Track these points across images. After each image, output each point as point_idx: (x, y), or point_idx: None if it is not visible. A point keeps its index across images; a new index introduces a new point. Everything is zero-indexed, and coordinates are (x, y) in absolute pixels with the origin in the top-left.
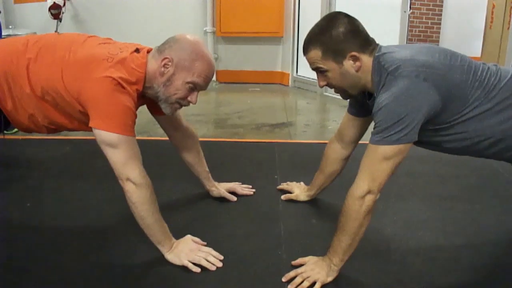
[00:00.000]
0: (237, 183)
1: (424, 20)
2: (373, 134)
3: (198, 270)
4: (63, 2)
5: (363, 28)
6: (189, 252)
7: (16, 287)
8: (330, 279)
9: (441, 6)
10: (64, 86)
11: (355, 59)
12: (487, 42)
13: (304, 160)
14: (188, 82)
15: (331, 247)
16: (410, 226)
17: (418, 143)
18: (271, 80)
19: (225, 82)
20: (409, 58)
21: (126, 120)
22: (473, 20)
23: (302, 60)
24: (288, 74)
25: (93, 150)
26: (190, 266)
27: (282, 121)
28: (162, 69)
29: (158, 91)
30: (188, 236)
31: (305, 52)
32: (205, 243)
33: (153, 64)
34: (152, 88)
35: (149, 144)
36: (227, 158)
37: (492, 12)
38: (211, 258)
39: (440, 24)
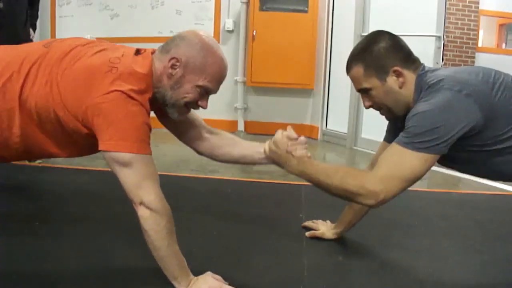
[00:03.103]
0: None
1: None
2: (402, 135)
3: None
4: None
5: (406, 44)
6: None
7: None
8: None
9: None
10: (65, 109)
11: (399, 74)
12: None
13: (330, 202)
14: (199, 86)
15: None
16: (446, 265)
17: (453, 163)
18: (300, 133)
19: (253, 133)
20: (452, 74)
21: (142, 137)
22: None
23: (332, 113)
24: (318, 128)
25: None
26: None
27: None
28: (170, 70)
29: (166, 95)
30: (209, 273)
31: (348, 70)
32: (227, 283)
33: (158, 66)
34: (158, 92)
35: None
36: (250, 197)
37: None
38: None
39: None
